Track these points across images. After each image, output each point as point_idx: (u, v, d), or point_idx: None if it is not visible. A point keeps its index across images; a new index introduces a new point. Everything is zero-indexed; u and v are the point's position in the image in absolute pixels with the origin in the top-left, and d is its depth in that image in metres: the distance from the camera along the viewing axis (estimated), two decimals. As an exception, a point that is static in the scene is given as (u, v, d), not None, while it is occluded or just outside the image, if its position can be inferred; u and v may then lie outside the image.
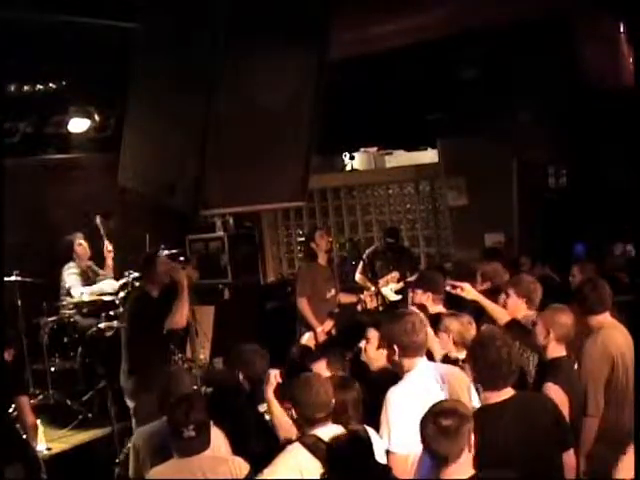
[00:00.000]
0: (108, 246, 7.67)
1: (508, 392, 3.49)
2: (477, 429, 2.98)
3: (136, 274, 7.22)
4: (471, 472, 2.92)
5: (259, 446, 4.05)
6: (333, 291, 7.12)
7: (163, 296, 5.77)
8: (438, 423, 2.87)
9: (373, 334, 4.29)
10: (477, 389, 3.90)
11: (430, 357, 4.28)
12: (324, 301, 7.04)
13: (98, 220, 7.67)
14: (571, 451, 3.67)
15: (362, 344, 4.40)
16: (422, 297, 5.10)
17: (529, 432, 3.43)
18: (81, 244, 7.43)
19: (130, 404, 5.65)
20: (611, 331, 4.43)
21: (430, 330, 4.42)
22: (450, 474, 2.89)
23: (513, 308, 4.76)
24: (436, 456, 2.92)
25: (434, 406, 3.03)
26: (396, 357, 3.86)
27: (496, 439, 3.32)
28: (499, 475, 3.06)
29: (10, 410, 5.04)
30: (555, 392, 3.91)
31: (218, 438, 3.85)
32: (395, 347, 3.84)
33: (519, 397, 3.54)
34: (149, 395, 4.87)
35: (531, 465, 3.35)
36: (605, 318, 4.49)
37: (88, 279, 7.36)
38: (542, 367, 4.27)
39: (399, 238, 8.66)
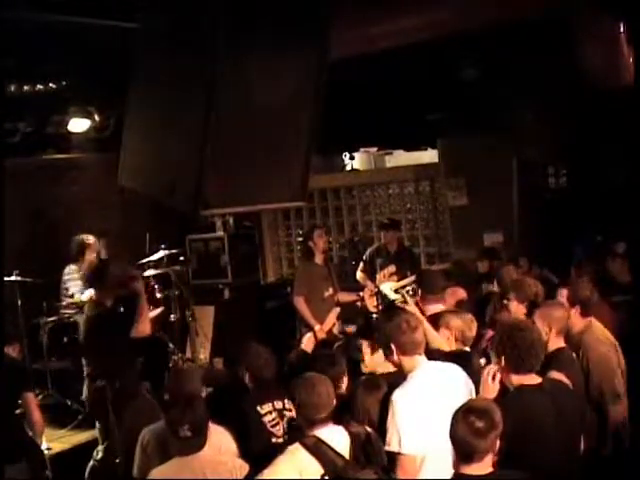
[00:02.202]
0: None
1: (536, 377, 3.62)
2: (518, 409, 3.14)
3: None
4: (489, 469, 3.01)
5: (259, 446, 4.06)
6: (331, 290, 7.11)
7: (118, 305, 5.71)
8: (470, 423, 2.97)
9: (364, 343, 4.40)
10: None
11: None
12: (322, 300, 7.04)
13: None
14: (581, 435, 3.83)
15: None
16: (418, 297, 5.15)
17: (562, 415, 3.56)
18: (94, 251, 7.30)
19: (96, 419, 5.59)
20: (599, 324, 4.72)
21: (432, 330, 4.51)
22: (470, 471, 3.00)
23: (515, 311, 4.82)
24: (462, 453, 3.00)
25: (467, 404, 3.11)
26: (395, 357, 3.87)
27: (535, 420, 3.46)
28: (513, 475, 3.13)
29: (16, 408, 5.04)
30: (560, 379, 3.98)
31: (225, 437, 3.87)
32: (392, 347, 3.85)
33: (549, 382, 3.70)
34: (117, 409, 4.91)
35: (566, 447, 3.54)
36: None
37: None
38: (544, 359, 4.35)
39: (399, 224, 8.67)
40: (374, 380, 4.03)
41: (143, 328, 5.52)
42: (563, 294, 4.84)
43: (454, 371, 3.97)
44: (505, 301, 4.99)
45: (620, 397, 4.49)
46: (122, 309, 5.66)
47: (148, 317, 5.65)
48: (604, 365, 4.53)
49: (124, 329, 5.45)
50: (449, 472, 3.26)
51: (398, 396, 3.65)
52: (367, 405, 3.86)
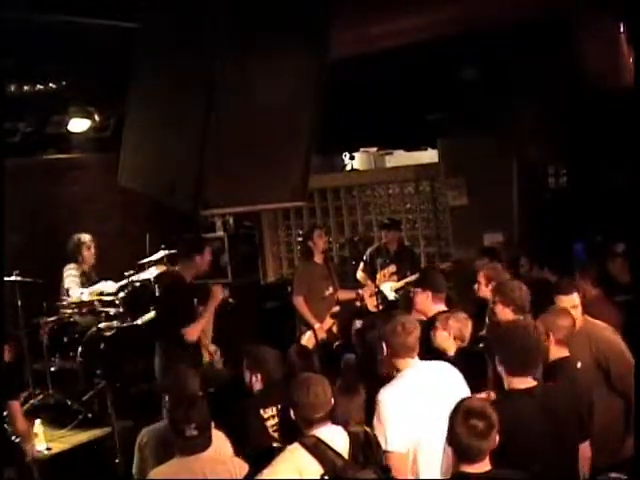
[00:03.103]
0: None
1: (531, 381, 3.59)
2: (504, 412, 3.10)
3: (135, 277, 7.24)
4: (488, 467, 3.02)
5: (260, 451, 4.05)
6: (331, 289, 7.12)
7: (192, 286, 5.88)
8: (472, 426, 2.97)
9: None
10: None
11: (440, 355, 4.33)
12: (322, 299, 7.05)
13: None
14: (587, 443, 3.80)
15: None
16: (422, 295, 5.08)
17: (554, 421, 3.53)
18: (90, 248, 7.37)
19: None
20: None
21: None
22: (468, 469, 3.00)
23: (500, 315, 4.73)
24: (463, 455, 3.00)
25: (464, 404, 3.10)
26: (387, 357, 3.91)
27: (524, 425, 3.43)
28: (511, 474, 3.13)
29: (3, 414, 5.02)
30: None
31: (221, 440, 3.86)
32: (384, 346, 3.89)
33: (544, 387, 3.66)
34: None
35: (554, 454, 3.47)
36: None
37: (88, 282, 7.34)
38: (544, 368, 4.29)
39: (399, 223, 8.70)
40: (353, 385, 4.03)
41: (193, 332, 5.51)
42: (562, 300, 4.68)
43: (445, 369, 3.98)
44: (491, 304, 4.96)
45: None
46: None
47: (201, 326, 5.65)
48: (616, 348, 4.49)
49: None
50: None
51: (383, 395, 3.69)
52: (348, 410, 3.82)
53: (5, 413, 4.89)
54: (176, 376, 4.33)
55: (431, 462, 3.56)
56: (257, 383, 4.36)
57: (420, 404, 3.67)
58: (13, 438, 4.88)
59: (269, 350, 4.47)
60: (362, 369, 4.59)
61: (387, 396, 3.69)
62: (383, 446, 3.61)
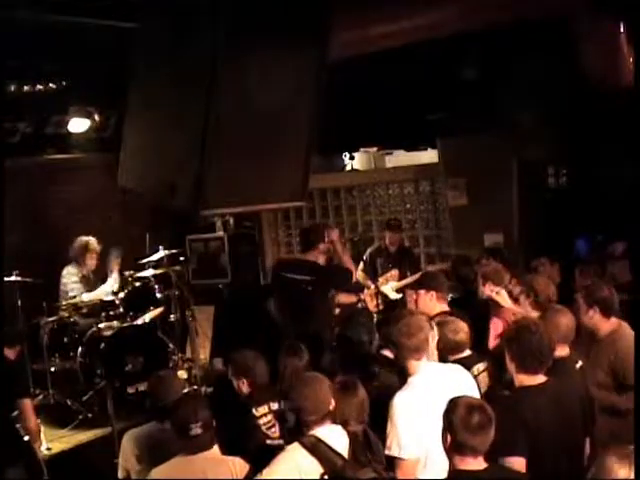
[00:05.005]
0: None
1: (542, 377, 3.62)
2: (516, 409, 3.18)
3: (137, 274, 7.25)
4: (484, 465, 3.01)
5: (254, 449, 4.05)
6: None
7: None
8: (470, 419, 2.96)
9: None
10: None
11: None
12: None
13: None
14: (587, 439, 3.80)
15: None
16: (426, 296, 5.06)
17: (564, 416, 3.56)
18: (95, 253, 7.35)
19: None
20: (628, 327, 4.54)
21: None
22: (466, 465, 2.99)
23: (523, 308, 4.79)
24: (462, 451, 2.99)
25: (463, 400, 3.09)
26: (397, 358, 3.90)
27: (534, 420, 3.44)
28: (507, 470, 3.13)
29: (12, 412, 5.02)
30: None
31: None
32: (392, 347, 3.88)
33: (554, 382, 3.66)
34: None
35: (564, 448, 3.51)
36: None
37: (87, 285, 7.33)
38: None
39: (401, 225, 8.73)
40: (351, 383, 4.01)
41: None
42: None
43: (457, 372, 3.96)
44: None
45: None
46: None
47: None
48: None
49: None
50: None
51: (397, 401, 3.65)
52: (345, 409, 3.76)
53: (16, 411, 4.90)
54: (161, 380, 4.32)
55: (440, 466, 3.54)
56: (244, 388, 4.37)
57: (433, 408, 3.65)
58: (24, 436, 4.88)
59: (254, 356, 4.47)
60: (343, 369, 4.56)
61: (401, 402, 3.65)
62: (395, 452, 3.56)
